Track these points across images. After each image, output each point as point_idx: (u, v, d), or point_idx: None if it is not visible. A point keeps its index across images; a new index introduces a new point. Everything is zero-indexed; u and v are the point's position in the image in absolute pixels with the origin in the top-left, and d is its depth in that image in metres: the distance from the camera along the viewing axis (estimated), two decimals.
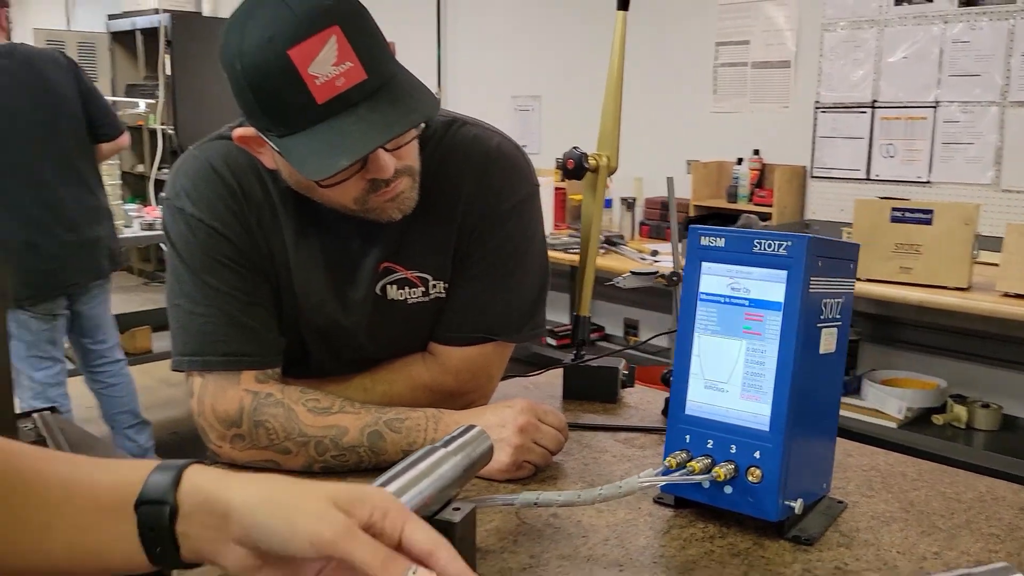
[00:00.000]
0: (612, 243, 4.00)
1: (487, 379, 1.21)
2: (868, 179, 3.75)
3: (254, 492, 0.60)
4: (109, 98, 3.87)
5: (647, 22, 4.50)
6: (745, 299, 0.91)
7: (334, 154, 0.94)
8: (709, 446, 0.92)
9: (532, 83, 5.14)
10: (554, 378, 1.40)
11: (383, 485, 0.76)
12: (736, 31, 4.18)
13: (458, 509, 0.82)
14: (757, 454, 0.89)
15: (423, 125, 1.04)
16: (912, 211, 2.85)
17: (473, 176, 1.15)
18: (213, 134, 1.15)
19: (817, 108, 3.89)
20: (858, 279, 2.36)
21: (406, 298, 1.16)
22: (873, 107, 3.70)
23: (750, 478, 0.89)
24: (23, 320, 2.92)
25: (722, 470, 0.89)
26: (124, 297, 5.87)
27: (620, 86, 1.35)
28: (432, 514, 0.81)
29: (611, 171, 1.31)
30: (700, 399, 0.94)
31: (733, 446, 0.91)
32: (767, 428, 0.89)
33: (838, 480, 1.05)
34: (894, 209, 2.88)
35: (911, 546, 0.90)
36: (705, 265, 0.94)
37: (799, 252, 0.87)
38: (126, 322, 3.95)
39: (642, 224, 4.43)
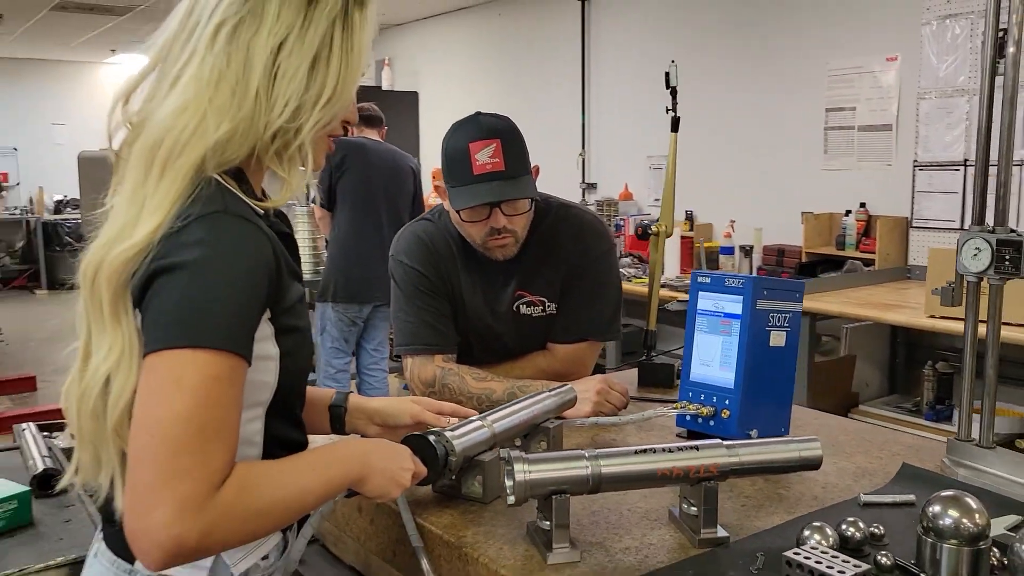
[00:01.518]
0: None
1: (583, 367, 1.90)
2: (962, 229, 4.18)
3: (382, 403, 1.42)
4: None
5: (767, 92, 5.10)
6: (722, 312, 1.57)
7: (471, 199, 1.70)
8: (702, 398, 1.58)
9: (664, 144, 5.79)
10: (633, 373, 2.07)
11: (513, 404, 1.46)
12: (844, 99, 4.71)
13: (552, 423, 1.52)
14: (727, 402, 1.54)
15: (533, 209, 1.77)
16: None
17: (572, 238, 1.86)
18: (418, 218, 1.92)
19: (915, 166, 4.36)
20: (932, 316, 2.97)
21: (532, 313, 1.87)
22: (965, 165, 4.15)
23: (723, 415, 1.54)
24: (334, 319, 4.28)
25: (706, 410, 1.55)
26: None
27: (673, 184, 2.02)
28: (536, 424, 1.50)
29: (668, 235, 1.98)
30: (698, 371, 1.60)
31: (715, 397, 1.56)
32: (732, 387, 1.54)
33: (799, 431, 1.67)
34: None
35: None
36: (700, 293, 1.60)
37: (748, 286, 1.53)
38: None
39: (759, 268, 4.97)
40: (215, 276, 0.97)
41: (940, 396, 3.98)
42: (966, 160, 4.14)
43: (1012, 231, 1.38)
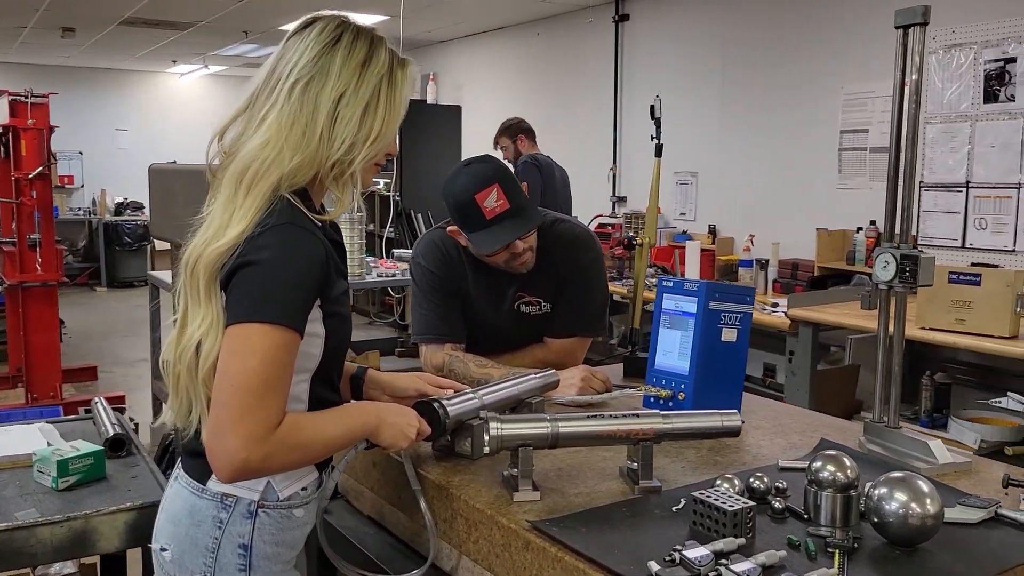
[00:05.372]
0: None
1: (574, 358, 2.21)
2: (964, 247, 4.41)
3: (392, 377, 1.70)
4: None
5: (788, 115, 5.36)
6: (681, 311, 1.87)
7: (492, 242, 2.00)
8: (663, 383, 1.88)
9: (690, 160, 6.09)
10: (619, 367, 2.38)
11: (502, 381, 1.78)
12: (857, 122, 4.95)
13: (535, 400, 1.83)
14: (683, 386, 1.84)
15: (536, 228, 2.08)
16: (964, 274, 3.55)
17: (565, 249, 2.17)
18: (436, 226, 2.25)
19: (921, 187, 4.59)
20: (923, 328, 3.27)
21: (530, 311, 2.19)
22: (967, 187, 4.37)
23: (679, 397, 1.84)
24: None
25: (664, 392, 1.85)
26: (358, 332, 7.32)
27: (656, 201, 2.32)
28: (521, 400, 1.82)
29: (651, 245, 2.28)
30: (662, 360, 1.90)
31: (674, 382, 1.86)
32: (687, 373, 1.84)
33: (751, 415, 1.96)
34: (950, 272, 3.59)
35: (762, 435, 1.82)
36: (664, 295, 1.91)
37: (702, 289, 1.83)
38: (360, 348, 5.32)
39: (775, 281, 5.21)
40: (281, 272, 1.31)
41: (938, 405, 4.20)
42: (968, 182, 4.36)
43: (914, 247, 1.66)
